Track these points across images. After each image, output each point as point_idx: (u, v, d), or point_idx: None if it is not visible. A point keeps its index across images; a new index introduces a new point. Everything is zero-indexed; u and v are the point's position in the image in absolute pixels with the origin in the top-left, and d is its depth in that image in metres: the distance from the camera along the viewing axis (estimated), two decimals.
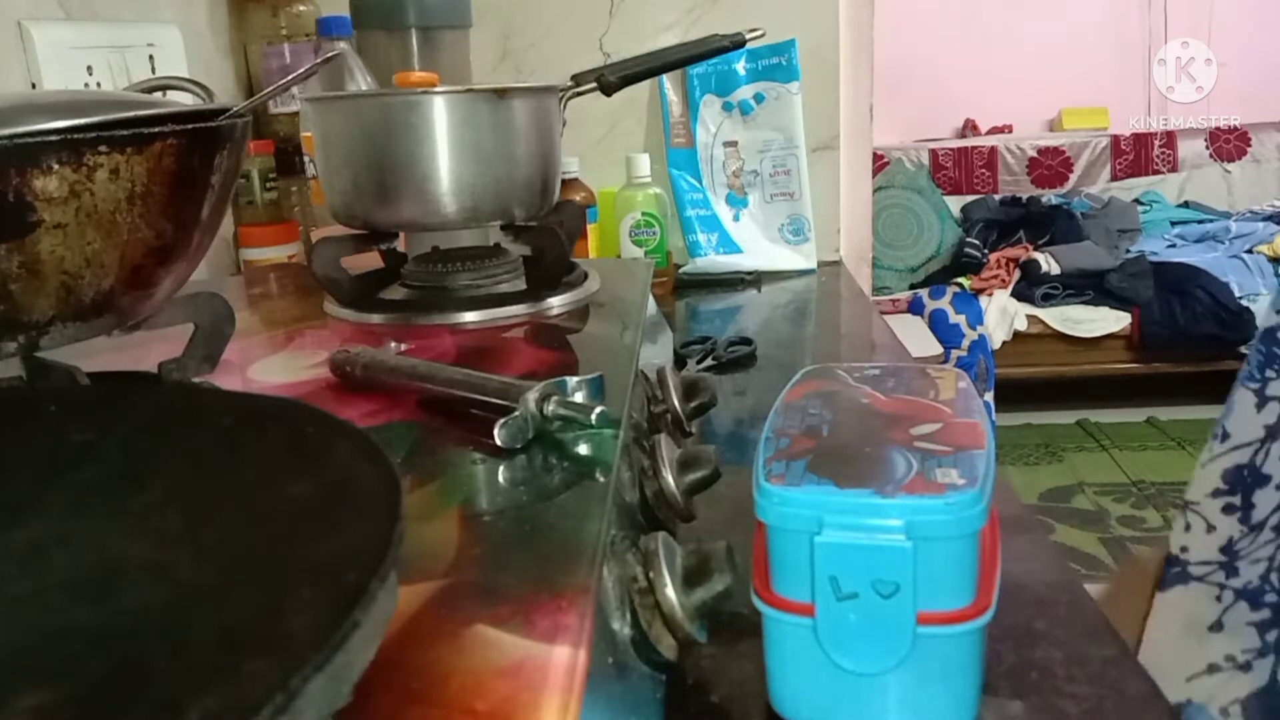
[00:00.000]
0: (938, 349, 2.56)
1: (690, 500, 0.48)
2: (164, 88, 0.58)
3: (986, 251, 3.26)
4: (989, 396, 2.87)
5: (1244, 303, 2.91)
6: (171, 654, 0.23)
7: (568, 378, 0.46)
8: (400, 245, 0.79)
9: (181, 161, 0.44)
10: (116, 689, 0.22)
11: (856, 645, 0.38)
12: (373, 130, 0.71)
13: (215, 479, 0.33)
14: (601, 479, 0.42)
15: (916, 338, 2.40)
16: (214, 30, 1.14)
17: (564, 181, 0.97)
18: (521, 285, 0.74)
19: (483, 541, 0.38)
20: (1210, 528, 0.59)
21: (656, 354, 0.73)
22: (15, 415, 0.41)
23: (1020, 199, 3.49)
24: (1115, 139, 3.68)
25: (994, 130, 3.85)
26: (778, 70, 1.27)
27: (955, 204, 3.52)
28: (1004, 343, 3.00)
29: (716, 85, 1.29)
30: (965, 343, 2.96)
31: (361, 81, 1.00)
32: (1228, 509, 0.58)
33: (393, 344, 0.58)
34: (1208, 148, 3.64)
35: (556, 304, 0.71)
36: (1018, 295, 3.05)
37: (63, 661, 0.23)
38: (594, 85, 0.78)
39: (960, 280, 3.18)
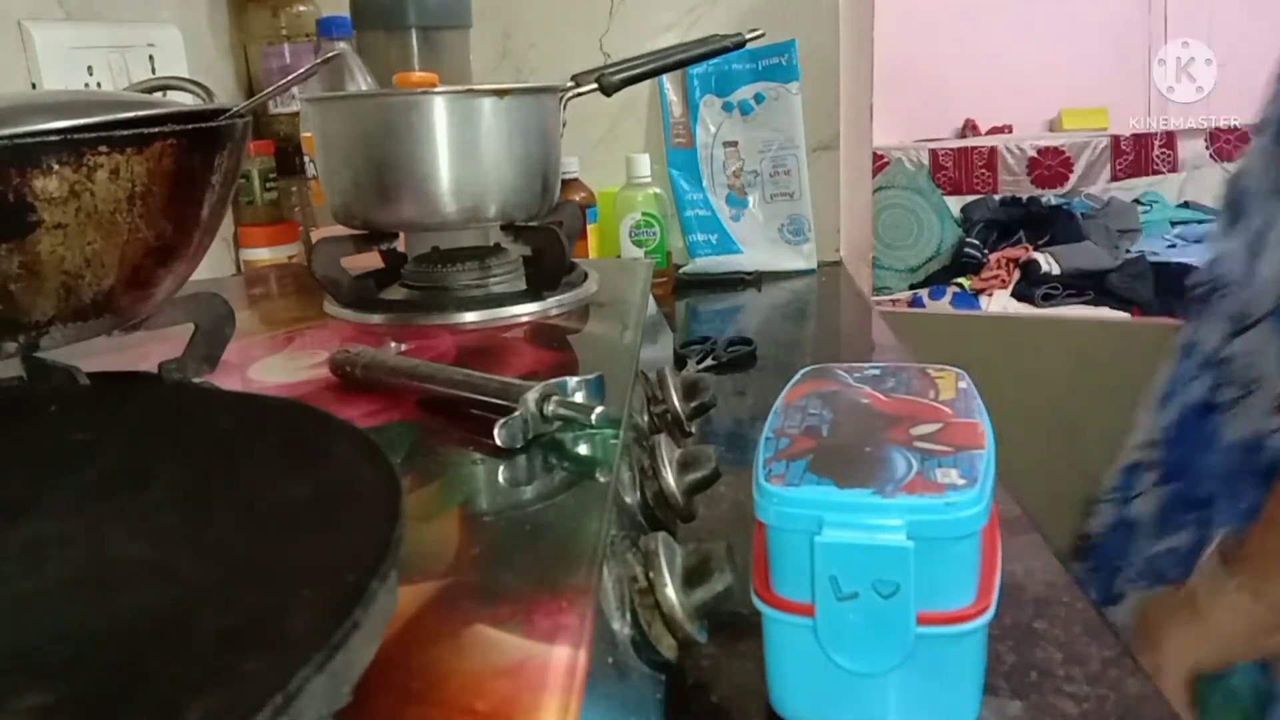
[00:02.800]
0: None
1: (690, 500, 0.48)
2: (164, 88, 0.58)
3: (986, 252, 3.26)
4: None
5: None
6: (171, 654, 0.23)
7: (568, 378, 0.46)
8: (400, 245, 0.79)
9: (181, 162, 0.44)
10: (116, 689, 0.22)
11: (857, 645, 0.38)
12: (373, 130, 0.71)
13: (215, 479, 0.33)
14: (601, 479, 0.42)
15: None
16: (214, 30, 1.14)
17: (564, 181, 0.97)
18: (521, 285, 0.74)
19: (483, 541, 0.38)
20: None
21: (656, 354, 0.73)
22: (15, 415, 0.41)
23: (1020, 199, 3.49)
24: (1115, 139, 3.67)
25: (994, 130, 3.84)
26: (778, 70, 1.27)
27: (955, 204, 3.52)
28: None
29: (716, 85, 1.29)
30: None
31: (361, 81, 1.00)
32: None
33: (393, 344, 0.58)
34: (1208, 148, 3.64)
35: (556, 304, 0.71)
36: (1018, 295, 3.05)
37: (63, 661, 0.23)
38: (594, 85, 0.78)
39: (960, 280, 3.18)
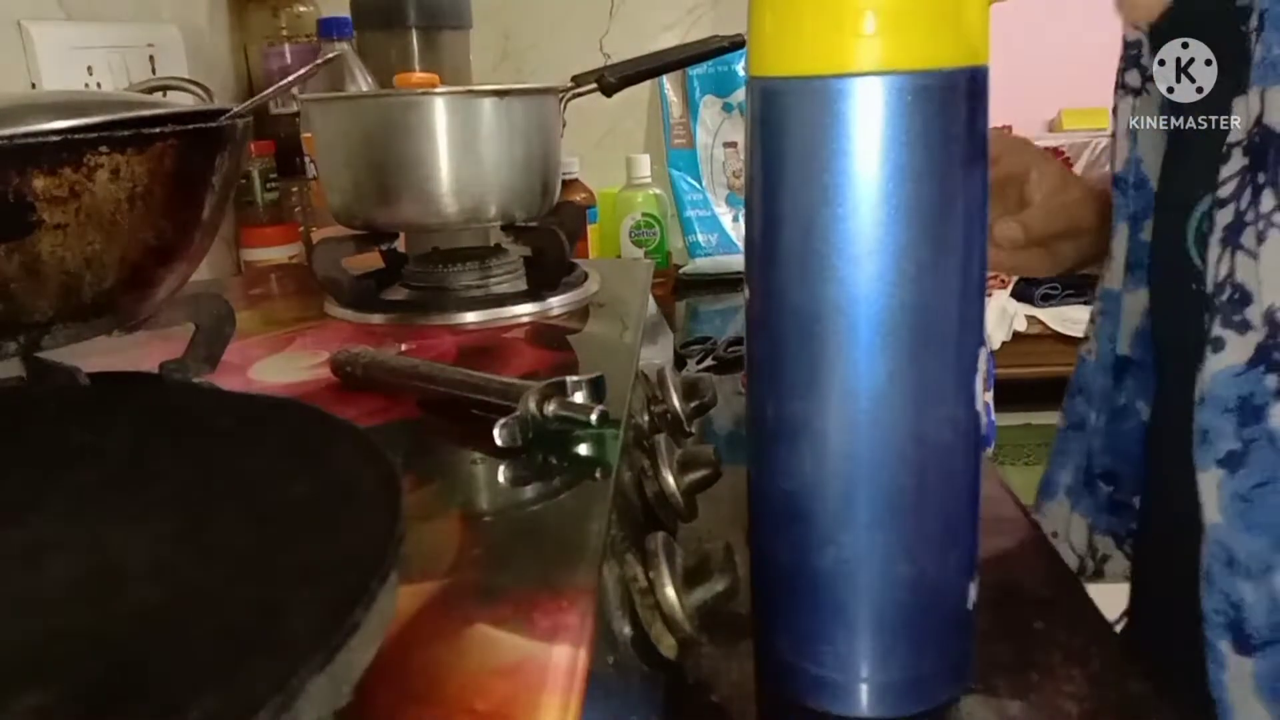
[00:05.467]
0: None
1: (690, 500, 0.48)
2: (164, 88, 0.58)
3: None
4: (989, 397, 2.87)
5: None
6: (171, 654, 0.23)
7: (568, 378, 0.46)
8: (401, 245, 0.79)
9: (182, 162, 0.44)
10: (116, 689, 0.22)
11: None
12: (373, 131, 0.71)
13: (215, 479, 0.33)
14: (601, 479, 0.42)
15: None
16: (214, 30, 1.14)
17: (564, 181, 0.97)
18: (522, 285, 0.74)
19: (483, 541, 0.38)
20: None
21: (656, 354, 0.73)
22: (15, 415, 0.41)
23: None
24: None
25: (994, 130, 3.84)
26: None
27: None
28: (1003, 343, 3.00)
29: (716, 85, 1.29)
30: None
31: (362, 82, 1.00)
32: None
33: (393, 344, 0.58)
34: None
35: (556, 304, 0.71)
36: (1017, 295, 3.05)
37: (63, 661, 0.23)
38: (594, 86, 0.78)
39: None
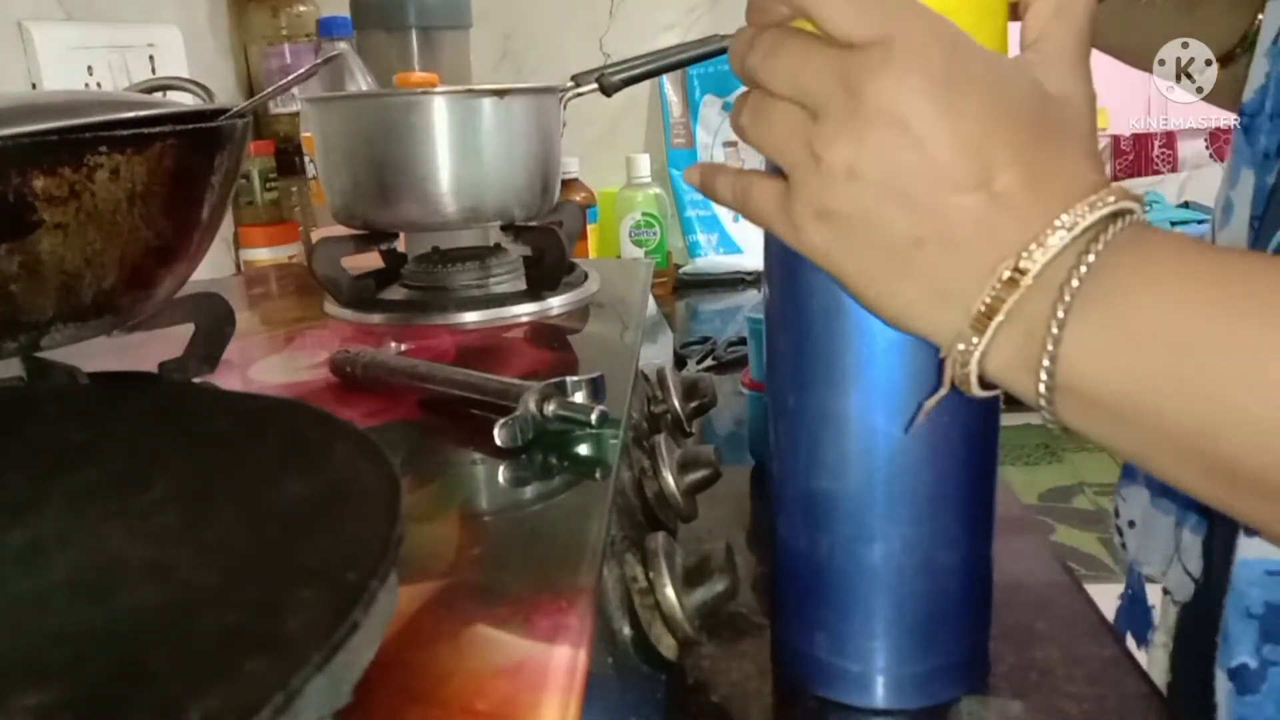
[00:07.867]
0: None
1: (690, 500, 0.48)
2: (164, 88, 0.58)
3: None
4: None
5: None
6: (171, 654, 0.23)
7: (568, 378, 0.46)
8: (400, 245, 0.79)
9: (181, 162, 0.44)
10: (116, 689, 0.22)
11: None
12: (373, 130, 0.71)
13: (215, 479, 0.33)
14: (601, 479, 0.42)
15: None
16: (214, 30, 1.14)
17: (564, 181, 0.97)
18: (521, 285, 0.74)
19: (483, 541, 0.38)
20: None
21: (656, 354, 0.73)
22: (15, 415, 0.41)
23: None
24: (1115, 139, 3.66)
25: None
26: None
27: None
28: None
29: (716, 85, 1.29)
30: None
31: (362, 82, 1.00)
32: None
33: (393, 344, 0.58)
34: (1208, 148, 3.63)
35: (556, 304, 0.71)
36: None
37: (63, 661, 0.23)
38: (594, 85, 0.78)
39: None
